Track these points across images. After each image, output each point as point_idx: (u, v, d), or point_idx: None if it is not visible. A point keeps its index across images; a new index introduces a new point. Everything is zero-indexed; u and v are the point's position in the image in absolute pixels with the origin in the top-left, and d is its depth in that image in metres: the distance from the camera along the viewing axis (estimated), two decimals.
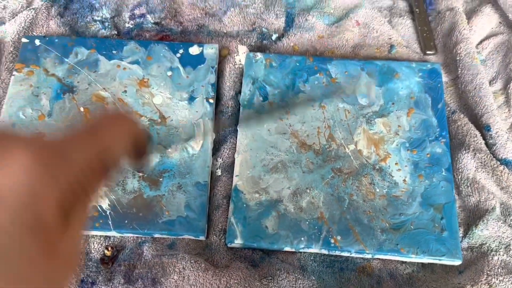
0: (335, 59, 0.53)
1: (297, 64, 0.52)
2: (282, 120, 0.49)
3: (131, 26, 0.56)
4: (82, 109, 0.49)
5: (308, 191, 0.46)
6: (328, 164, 0.47)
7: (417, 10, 0.58)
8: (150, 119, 0.49)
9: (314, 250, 0.44)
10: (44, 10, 0.55)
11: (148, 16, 0.56)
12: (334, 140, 0.49)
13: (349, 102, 0.50)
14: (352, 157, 0.48)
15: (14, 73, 0.50)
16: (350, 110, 0.50)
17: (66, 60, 0.51)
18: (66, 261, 0.20)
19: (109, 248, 0.44)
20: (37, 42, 0.52)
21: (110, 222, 0.44)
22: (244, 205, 0.45)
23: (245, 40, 0.55)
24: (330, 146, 0.48)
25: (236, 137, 0.49)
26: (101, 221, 0.44)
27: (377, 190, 0.46)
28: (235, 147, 0.49)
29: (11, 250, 0.17)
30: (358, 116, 0.50)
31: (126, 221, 0.44)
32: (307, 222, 0.45)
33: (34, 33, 0.54)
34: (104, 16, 0.56)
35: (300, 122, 0.49)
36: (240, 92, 0.52)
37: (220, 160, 0.48)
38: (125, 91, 0.50)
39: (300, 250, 0.44)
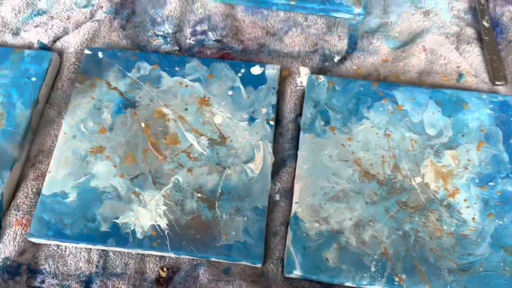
0: (402, 86, 0.51)
1: (361, 88, 0.50)
2: (344, 147, 0.48)
3: (192, 43, 0.55)
4: (143, 124, 0.48)
5: (371, 223, 0.44)
6: (393, 196, 0.45)
7: (486, 38, 0.55)
8: (210, 139, 0.48)
9: (377, 287, 0.42)
10: (107, 22, 0.55)
11: (209, 33, 0.56)
12: (400, 171, 0.46)
13: (416, 131, 0.48)
14: (418, 190, 0.46)
15: (77, 84, 0.50)
16: (416, 140, 0.48)
17: (128, 74, 0.51)
18: None
19: (165, 269, 0.43)
20: (100, 54, 0.52)
21: (167, 243, 0.43)
22: (304, 234, 0.43)
23: (307, 61, 0.54)
24: (395, 177, 0.46)
25: (296, 161, 0.48)
26: (158, 241, 0.43)
27: (445, 227, 0.44)
28: (294, 172, 0.48)
29: None
30: (425, 146, 0.48)
31: (183, 243, 0.43)
32: (370, 257, 0.42)
33: (96, 45, 0.54)
34: (166, 31, 0.56)
35: (363, 149, 0.47)
36: (300, 114, 0.51)
37: (278, 185, 0.47)
38: (186, 109, 0.49)
39: (362, 287, 0.42)
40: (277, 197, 0.47)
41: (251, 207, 0.45)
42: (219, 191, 0.45)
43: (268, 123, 0.49)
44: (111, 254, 0.44)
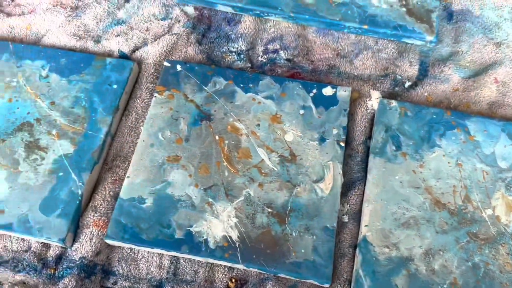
0: (474, 116, 0.51)
1: (434, 116, 0.51)
2: (415, 173, 0.48)
3: (264, 60, 0.57)
4: (217, 137, 0.50)
5: (441, 253, 0.44)
6: (464, 227, 0.45)
7: None
8: (281, 156, 0.49)
9: None
10: (185, 36, 0.57)
11: (281, 52, 0.57)
12: (471, 202, 0.46)
13: (488, 163, 0.48)
14: (489, 223, 0.45)
15: (156, 94, 0.52)
16: (488, 171, 0.48)
17: (205, 88, 0.53)
18: None
19: (233, 280, 0.44)
20: (179, 67, 0.54)
21: (239, 255, 0.44)
22: (374, 258, 0.44)
23: (378, 85, 0.54)
24: (466, 208, 0.46)
25: (364, 184, 0.48)
26: (230, 252, 0.44)
27: None
28: (363, 194, 0.48)
29: None
30: (496, 179, 0.47)
31: (254, 256, 0.44)
32: (439, 287, 0.42)
33: (173, 57, 0.56)
34: (239, 48, 0.57)
35: (435, 177, 0.47)
36: (369, 137, 0.51)
37: (347, 206, 0.48)
38: (258, 125, 0.51)
39: None
40: (346, 218, 0.47)
41: (321, 226, 0.45)
42: (289, 207, 0.46)
43: (338, 144, 0.49)
44: (181, 261, 0.46)
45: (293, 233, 0.45)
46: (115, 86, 0.52)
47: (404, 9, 0.58)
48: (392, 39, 0.57)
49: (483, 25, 0.58)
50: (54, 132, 0.50)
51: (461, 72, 0.55)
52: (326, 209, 0.46)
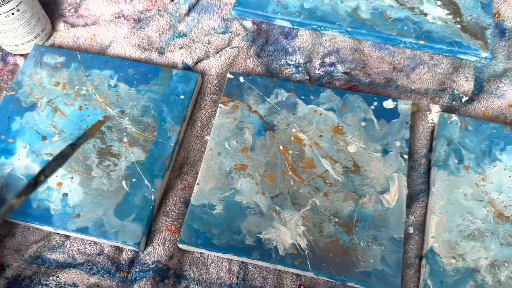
0: None
1: (494, 131, 0.52)
2: (478, 186, 0.49)
3: (321, 73, 0.58)
4: (281, 147, 0.51)
5: (506, 264, 0.45)
6: None
7: None
8: (345, 166, 0.50)
9: None
10: (245, 49, 0.59)
11: (338, 65, 0.59)
12: None
13: None
14: None
15: (220, 105, 0.54)
16: None
17: (267, 99, 0.54)
18: None
19: (302, 287, 0.45)
20: (241, 79, 0.56)
21: (308, 263, 0.45)
22: (441, 269, 0.45)
23: (436, 99, 0.55)
24: None
25: (427, 195, 0.50)
26: (299, 260, 0.45)
27: None
28: (426, 206, 0.49)
29: None
30: None
31: (323, 264, 0.45)
32: None
33: (234, 69, 0.58)
34: (297, 60, 0.59)
35: (497, 191, 0.48)
36: (430, 150, 0.52)
37: (412, 218, 0.49)
38: (321, 136, 0.52)
39: None
40: (411, 229, 0.48)
41: (388, 237, 0.46)
42: (355, 217, 0.47)
43: (402, 156, 0.50)
44: (250, 266, 0.47)
45: (361, 243, 0.46)
46: (182, 97, 0.54)
47: (458, 25, 0.59)
48: (447, 54, 0.59)
49: None
50: (125, 139, 0.52)
51: None
52: (392, 220, 0.47)
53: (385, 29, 0.59)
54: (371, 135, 0.52)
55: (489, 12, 0.60)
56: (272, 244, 0.46)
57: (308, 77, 0.58)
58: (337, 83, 0.58)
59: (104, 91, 0.55)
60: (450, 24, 0.59)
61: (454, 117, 0.53)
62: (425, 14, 0.60)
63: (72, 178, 0.50)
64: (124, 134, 0.52)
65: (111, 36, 0.62)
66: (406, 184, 0.49)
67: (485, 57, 0.58)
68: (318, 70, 0.59)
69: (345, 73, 0.58)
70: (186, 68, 0.59)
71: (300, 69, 0.59)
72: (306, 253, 0.46)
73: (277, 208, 0.48)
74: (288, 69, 0.59)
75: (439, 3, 0.61)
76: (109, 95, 0.55)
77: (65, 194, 0.49)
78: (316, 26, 0.60)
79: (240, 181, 0.49)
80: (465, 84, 0.57)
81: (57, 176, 0.50)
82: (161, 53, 0.60)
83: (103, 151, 0.51)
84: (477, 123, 0.52)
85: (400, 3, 0.61)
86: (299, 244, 0.46)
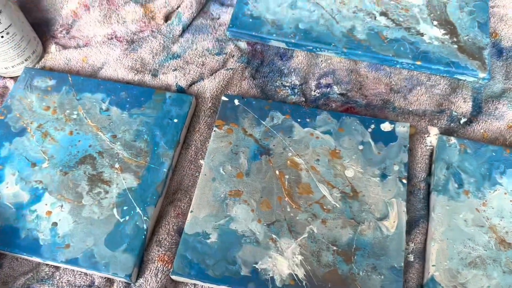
0: None
1: (493, 154, 0.51)
2: (479, 212, 0.48)
3: (317, 95, 0.58)
4: (277, 172, 0.50)
5: None
6: None
7: None
8: (342, 192, 0.49)
9: None
10: (240, 71, 0.59)
11: (334, 86, 0.58)
12: None
13: None
14: None
15: (215, 129, 0.53)
16: None
17: (263, 122, 0.53)
18: None
19: None
20: (236, 102, 0.55)
21: None
22: None
23: (434, 121, 0.55)
24: None
25: (427, 221, 0.48)
26: None
27: None
28: (426, 232, 0.48)
29: None
30: None
31: None
32: None
33: (229, 92, 0.57)
34: (293, 82, 0.58)
35: (498, 216, 0.47)
36: (429, 174, 0.51)
37: (412, 245, 0.47)
38: (318, 160, 0.51)
39: None
40: (411, 257, 0.47)
41: (388, 266, 0.45)
42: (354, 245, 0.46)
43: (400, 181, 0.49)
44: None
45: (360, 273, 0.45)
46: (176, 120, 0.53)
47: (455, 46, 0.59)
48: (445, 75, 0.58)
49: None
50: (117, 165, 0.50)
51: None
52: (392, 248, 0.46)
53: (381, 50, 0.58)
54: (368, 158, 0.51)
55: (486, 31, 0.60)
56: (269, 274, 0.45)
57: (304, 99, 0.57)
58: (333, 104, 0.57)
59: (95, 115, 0.54)
60: (447, 44, 0.59)
61: (453, 139, 0.52)
62: (422, 34, 0.60)
63: (62, 206, 0.48)
64: (116, 159, 0.51)
65: (103, 58, 0.61)
66: (405, 210, 0.48)
67: (483, 78, 0.57)
68: (314, 91, 0.58)
69: (341, 94, 0.58)
70: (180, 90, 0.58)
71: (295, 90, 0.58)
72: (304, 284, 0.44)
73: (274, 236, 0.47)
74: (284, 91, 0.58)
75: (435, 23, 0.61)
76: (101, 119, 0.54)
77: (55, 223, 0.47)
78: (311, 47, 0.60)
79: (235, 207, 0.48)
80: (463, 105, 0.56)
81: (46, 204, 0.48)
82: (155, 75, 0.59)
83: (94, 178, 0.50)
84: (476, 146, 0.51)
85: (396, 23, 0.61)
86: (296, 275, 0.45)
